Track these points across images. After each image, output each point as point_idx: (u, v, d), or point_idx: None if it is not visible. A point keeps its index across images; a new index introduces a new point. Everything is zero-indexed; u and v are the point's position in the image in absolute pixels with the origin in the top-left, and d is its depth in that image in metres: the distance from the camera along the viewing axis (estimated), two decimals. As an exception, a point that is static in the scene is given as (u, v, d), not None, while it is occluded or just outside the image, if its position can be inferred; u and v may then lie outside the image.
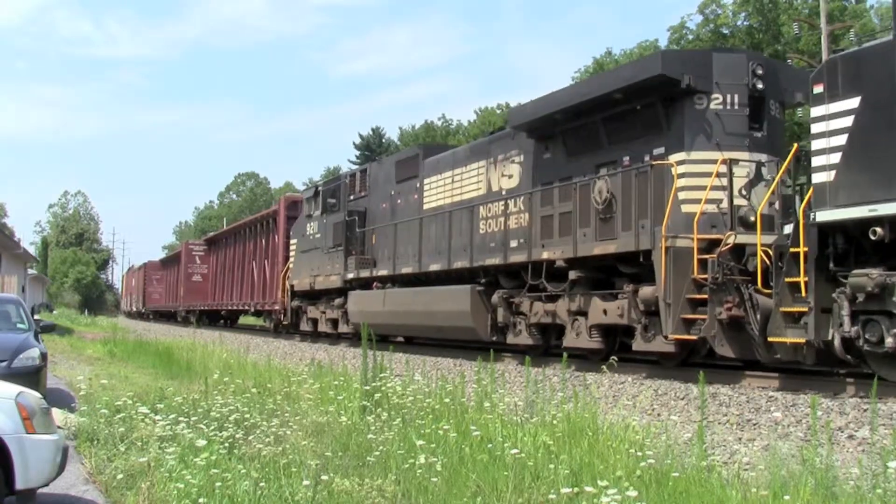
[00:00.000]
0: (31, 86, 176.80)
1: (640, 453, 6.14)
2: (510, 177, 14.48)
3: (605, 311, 11.75)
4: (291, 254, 24.53)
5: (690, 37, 43.05)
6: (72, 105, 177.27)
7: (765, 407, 8.53)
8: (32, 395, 5.62)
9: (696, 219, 10.33)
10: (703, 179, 10.74)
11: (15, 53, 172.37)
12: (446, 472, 5.91)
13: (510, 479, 5.65)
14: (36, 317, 14.49)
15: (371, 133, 69.16)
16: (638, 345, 11.30)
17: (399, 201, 18.32)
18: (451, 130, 65.34)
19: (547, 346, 13.77)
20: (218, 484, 5.37)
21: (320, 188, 22.69)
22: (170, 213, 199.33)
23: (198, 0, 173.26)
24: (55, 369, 16.17)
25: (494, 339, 14.38)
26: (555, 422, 7.63)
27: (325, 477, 5.58)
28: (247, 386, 10.27)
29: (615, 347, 12.46)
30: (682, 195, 10.79)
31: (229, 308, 34.91)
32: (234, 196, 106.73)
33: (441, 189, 16.61)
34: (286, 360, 17.71)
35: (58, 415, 7.87)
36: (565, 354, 9.90)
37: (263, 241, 29.71)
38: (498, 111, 59.70)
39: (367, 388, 9.06)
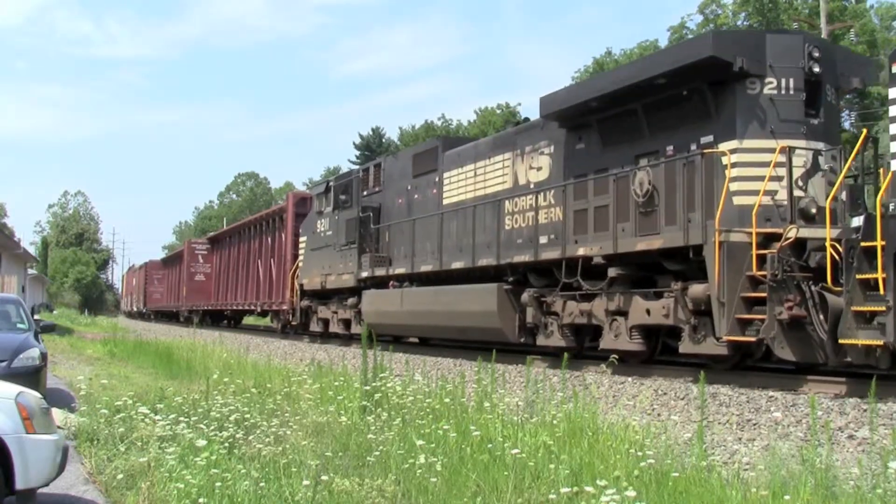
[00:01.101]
0: (31, 86, 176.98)
1: (640, 453, 6.14)
2: (539, 169, 13.68)
3: (648, 311, 11.06)
4: (301, 252, 23.82)
5: (690, 37, 43.00)
6: (72, 105, 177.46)
7: (765, 407, 8.53)
8: (32, 395, 5.62)
9: (754, 211, 9.63)
10: (757, 169, 10.01)
11: (15, 53, 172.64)
12: (446, 472, 5.91)
13: (510, 479, 5.65)
14: (36, 317, 14.49)
15: (371, 133, 69.15)
16: (686, 347, 10.56)
17: (416, 196, 17.53)
18: (451, 130, 65.29)
19: (581, 347, 13.01)
20: (218, 484, 5.37)
21: (332, 183, 21.79)
22: (170, 213, 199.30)
23: (198, 0, 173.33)
24: (55, 369, 16.16)
25: (522, 340, 13.70)
26: (555, 422, 7.63)
27: (325, 477, 5.58)
28: (247, 386, 10.27)
29: (657, 349, 11.91)
30: (733, 186, 10.06)
31: (234, 308, 34.26)
32: (234, 196, 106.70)
33: (462, 183, 15.84)
34: (286, 361, 17.70)
35: (58, 415, 7.87)
36: (566, 355, 9.86)
37: (269, 239, 29.07)
38: (498, 111, 59.73)
39: (367, 388, 9.06)
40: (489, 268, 14.35)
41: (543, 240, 13.07)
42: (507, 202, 14.21)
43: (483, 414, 8.03)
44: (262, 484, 5.52)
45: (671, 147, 11.08)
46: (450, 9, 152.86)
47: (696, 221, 10.26)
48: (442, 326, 15.95)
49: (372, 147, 64.89)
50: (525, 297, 13.30)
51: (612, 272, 11.57)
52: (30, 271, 51.64)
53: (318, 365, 13.48)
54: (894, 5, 41.72)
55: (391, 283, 17.56)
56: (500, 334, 13.94)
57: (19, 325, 11.54)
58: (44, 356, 10.68)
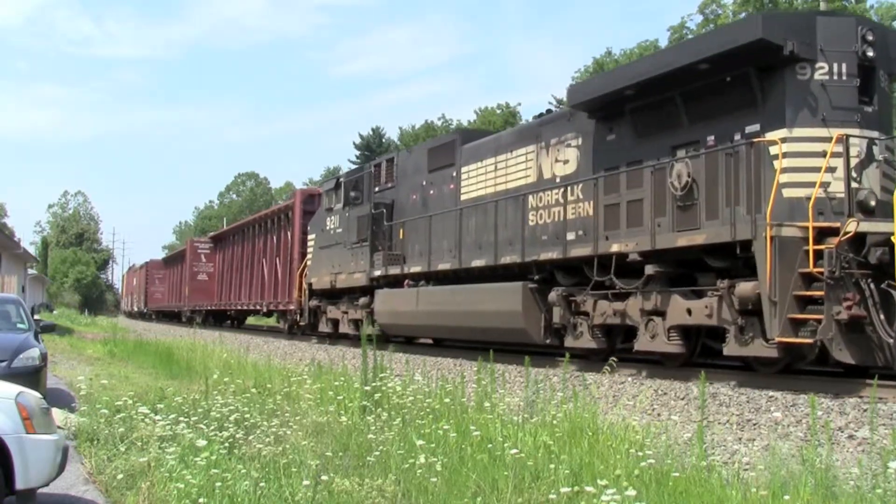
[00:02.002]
0: (31, 86, 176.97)
1: (640, 453, 6.15)
2: (565, 162, 13.03)
3: (688, 311, 10.46)
4: (309, 250, 23.07)
5: (690, 37, 43.02)
6: (72, 105, 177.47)
7: (765, 407, 8.53)
8: (32, 395, 5.62)
9: (810, 203, 9.08)
10: (808, 160, 9.48)
11: (15, 53, 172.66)
12: (446, 472, 5.92)
13: (510, 479, 5.65)
14: (36, 317, 14.49)
15: (371, 133, 69.19)
16: (731, 349, 9.92)
17: (432, 192, 16.85)
18: (451, 130, 65.37)
19: (612, 349, 12.33)
20: (218, 484, 5.37)
21: (342, 179, 21.10)
22: (170, 213, 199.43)
23: (198, 0, 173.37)
24: (55, 369, 16.17)
25: (548, 342, 13.05)
26: (555, 422, 7.63)
27: (325, 477, 5.59)
28: (247, 386, 10.28)
29: (696, 351, 11.26)
30: (783, 178, 9.46)
31: (238, 308, 33.62)
32: (234, 196, 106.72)
33: (482, 177, 15.17)
34: (286, 361, 17.70)
35: (58, 415, 7.87)
36: (568, 355, 9.88)
37: (275, 237, 28.40)
38: (498, 111, 59.75)
39: (368, 388, 9.07)
40: (513, 266, 13.75)
41: (571, 236, 12.49)
42: (530, 197, 13.57)
43: (483, 414, 8.03)
44: (262, 484, 5.52)
45: (712, 137, 10.50)
46: (450, 8, 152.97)
47: (742, 215, 9.68)
48: (461, 327, 15.26)
49: (372, 147, 64.91)
50: (553, 296, 12.65)
51: (649, 270, 10.91)
52: (30, 271, 51.65)
53: (318, 365, 13.48)
54: (894, 5, 41.69)
55: (406, 282, 16.97)
56: (524, 335, 13.38)
57: (19, 325, 11.54)
58: (44, 356, 10.68)
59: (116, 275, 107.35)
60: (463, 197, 15.65)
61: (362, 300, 18.92)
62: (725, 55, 9.90)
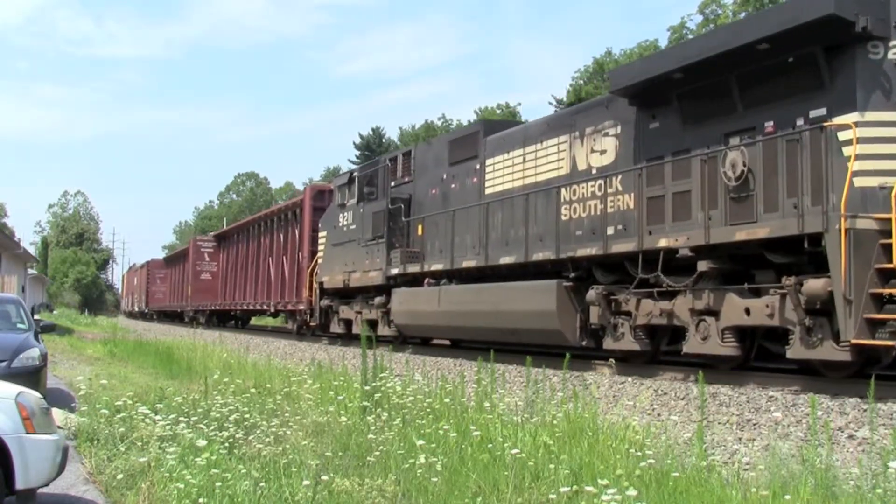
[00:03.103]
0: (31, 86, 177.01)
1: (640, 453, 6.15)
2: (603, 152, 12.25)
3: (746, 311, 9.67)
4: (320, 248, 22.25)
5: (690, 37, 43.04)
6: (72, 105, 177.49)
7: (765, 407, 8.53)
8: (32, 395, 5.62)
9: (893, 193, 8.35)
10: (882, 146, 8.76)
11: (15, 53, 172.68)
12: (446, 472, 5.92)
13: (510, 479, 5.66)
14: (36, 317, 14.49)
15: (371, 133, 69.21)
16: (796, 352, 9.10)
17: (453, 186, 16.03)
18: (451, 130, 65.38)
19: (655, 351, 11.64)
20: (218, 484, 5.37)
21: (356, 174, 20.17)
22: (170, 213, 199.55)
23: (198, 0, 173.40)
24: (55, 369, 16.17)
25: (584, 343, 12.25)
26: (555, 422, 7.63)
27: (325, 477, 5.59)
28: (247, 386, 10.28)
29: (752, 353, 10.47)
30: (855, 165, 8.70)
31: (244, 308, 32.86)
32: (234, 196, 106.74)
33: (509, 170, 14.36)
34: (286, 360, 17.70)
35: (58, 415, 7.87)
36: (568, 355, 9.84)
37: (282, 235, 27.79)
38: (498, 111, 59.69)
39: (368, 388, 9.07)
40: (545, 263, 12.95)
41: (609, 231, 11.70)
42: (563, 190, 12.73)
43: (483, 414, 8.03)
44: (262, 484, 5.52)
45: (770, 123, 9.70)
46: (450, 8, 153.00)
47: (806, 207, 8.91)
48: (487, 328, 14.34)
49: (372, 147, 64.92)
50: (591, 294, 11.78)
51: (702, 266, 10.12)
52: (30, 271, 51.67)
53: (318, 365, 13.48)
54: None
55: (426, 280, 16.21)
56: (558, 337, 12.57)
57: (19, 325, 11.55)
58: (44, 356, 10.68)
59: (116, 275, 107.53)
60: (487, 191, 14.90)
61: (378, 300, 18.11)
62: (788, 33, 9.08)
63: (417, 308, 16.29)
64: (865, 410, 7.52)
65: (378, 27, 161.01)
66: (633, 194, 11.39)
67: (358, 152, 67.66)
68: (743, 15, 41.30)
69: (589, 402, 8.55)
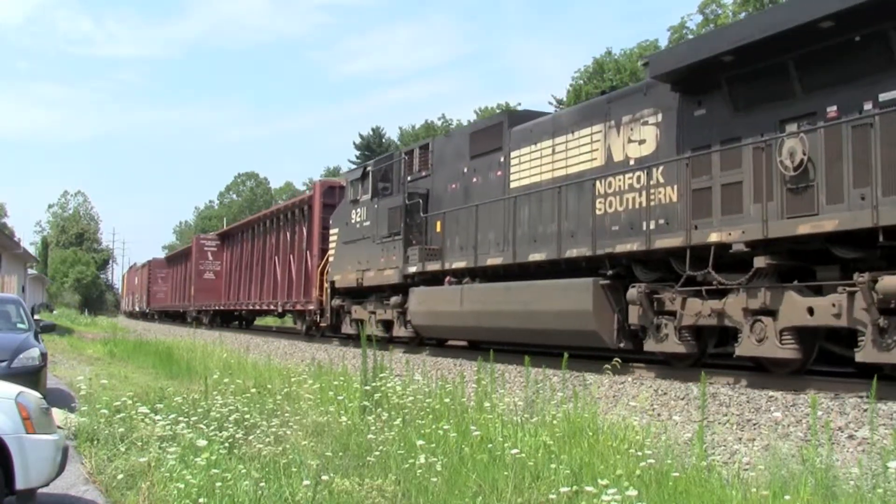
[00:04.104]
0: (31, 85, 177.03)
1: (640, 453, 6.15)
2: (642, 142, 11.54)
3: (809, 310, 8.93)
4: (331, 246, 21.43)
5: (690, 37, 43.05)
6: (72, 105, 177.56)
7: (765, 407, 8.53)
8: (32, 395, 5.62)
9: None
10: None
11: (15, 53, 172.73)
12: (446, 472, 5.92)
13: (510, 479, 5.66)
14: (36, 317, 14.50)
15: (371, 133, 69.27)
16: (867, 354, 8.36)
17: (475, 180, 15.33)
18: (450, 130, 65.39)
19: (702, 354, 10.91)
20: (218, 484, 5.37)
21: (369, 168, 19.36)
22: (170, 213, 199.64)
23: None
24: (55, 369, 16.17)
25: (622, 345, 11.53)
26: (555, 422, 7.63)
27: (325, 477, 5.59)
28: (247, 386, 10.28)
29: (812, 356, 9.71)
30: None
31: (250, 308, 32.28)
32: (234, 196, 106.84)
33: (536, 162, 13.62)
34: (286, 361, 17.70)
35: (58, 415, 7.87)
36: (566, 355, 9.82)
37: (289, 233, 27.26)
38: (498, 111, 59.74)
39: (368, 388, 9.07)
40: (580, 260, 12.20)
41: (648, 225, 11.03)
42: (598, 182, 12.01)
43: (483, 414, 8.03)
44: (262, 484, 5.52)
45: (833, 107, 9.00)
46: (450, 8, 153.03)
47: (878, 198, 8.24)
48: (515, 329, 13.58)
49: (372, 147, 64.98)
50: (633, 293, 11.00)
51: (759, 262, 9.37)
52: (30, 271, 51.65)
53: (318, 365, 13.48)
54: None
55: (447, 279, 15.48)
56: (594, 338, 11.83)
57: (19, 325, 11.55)
58: (44, 356, 10.68)
59: (116, 275, 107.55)
60: (513, 185, 14.12)
61: (394, 299, 17.33)
62: (856, 10, 8.39)
63: (438, 308, 15.54)
64: (865, 410, 7.52)
65: (378, 27, 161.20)
66: (676, 186, 10.69)
67: (358, 152, 67.71)
68: (743, 15, 41.40)
69: (589, 402, 8.55)
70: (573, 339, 12.43)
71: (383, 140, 67.82)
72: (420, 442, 6.52)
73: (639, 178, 11.33)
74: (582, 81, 51.23)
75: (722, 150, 10.11)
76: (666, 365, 10.93)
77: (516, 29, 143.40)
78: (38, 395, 5.77)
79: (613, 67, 50.49)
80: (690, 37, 42.89)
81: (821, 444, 6.59)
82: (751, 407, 8.63)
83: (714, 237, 9.89)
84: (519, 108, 59.90)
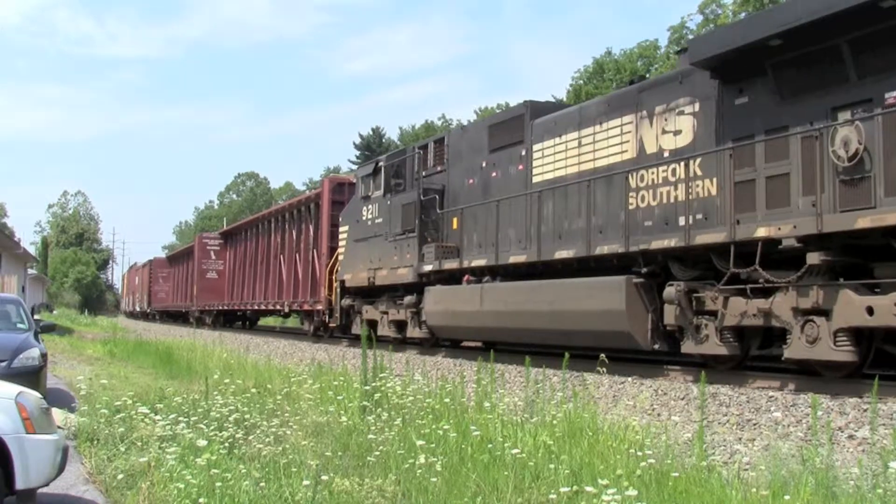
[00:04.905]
0: (31, 85, 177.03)
1: (640, 453, 6.15)
2: (677, 133, 11.02)
3: (868, 310, 8.35)
4: (341, 244, 20.87)
5: (690, 37, 43.06)
6: (72, 105, 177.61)
7: (765, 407, 8.53)
8: (32, 395, 5.62)
9: None
10: None
11: (15, 52, 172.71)
12: (446, 472, 5.92)
13: (510, 479, 5.66)
14: (36, 317, 14.50)
15: (371, 133, 69.27)
16: None
17: (494, 174, 14.79)
18: (449, 129, 65.35)
19: (744, 356, 10.33)
20: (218, 484, 5.37)
21: (382, 163, 18.73)
22: (170, 213, 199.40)
23: None
24: (55, 369, 16.17)
25: (657, 347, 11.00)
26: (555, 422, 7.63)
27: (325, 477, 5.59)
28: (247, 386, 10.28)
29: (869, 359, 9.14)
30: None
31: (254, 308, 31.73)
32: (234, 196, 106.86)
33: (561, 155, 13.07)
34: (286, 360, 17.70)
35: (58, 415, 7.86)
36: (567, 355, 9.77)
37: (295, 231, 26.83)
38: (498, 111, 59.74)
39: (367, 388, 9.07)
40: (611, 257, 11.64)
41: (684, 220, 10.50)
42: (630, 176, 11.49)
43: (483, 414, 8.03)
44: (262, 484, 5.53)
45: (893, 94, 8.48)
46: (450, 8, 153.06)
47: None
48: (538, 330, 13.00)
49: (372, 147, 64.98)
50: (671, 292, 10.44)
51: (812, 259, 8.80)
52: (30, 271, 51.65)
53: (318, 365, 13.49)
54: None
55: (466, 277, 14.94)
56: (626, 340, 11.25)
57: (19, 325, 11.55)
58: (44, 356, 10.68)
59: (116, 275, 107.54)
60: (535, 179, 13.57)
61: (408, 299, 16.76)
62: None
63: (455, 308, 14.94)
64: (865, 410, 7.52)
65: (378, 27, 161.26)
66: (715, 179, 10.18)
67: (358, 152, 67.72)
68: (743, 15, 41.40)
69: (589, 402, 8.55)
70: (603, 340, 11.72)
71: (383, 140, 67.81)
72: (420, 442, 6.52)
73: (674, 170, 10.84)
74: (582, 81, 51.25)
75: (767, 140, 9.53)
76: (704, 367, 10.23)
77: (516, 29, 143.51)
78: (38, 395, 5.77)
79: (613, 67, 50.50)
80: (691, 37, 42.94)
81: (821, 444, 6.59)
82: (751, 407, 8.63)
83: (762, 232, 9.27)
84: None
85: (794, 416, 8.11)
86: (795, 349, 9.08)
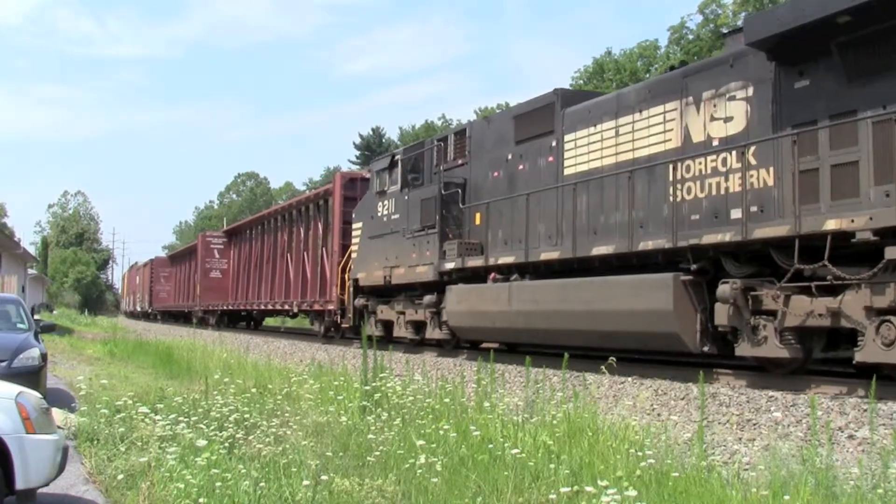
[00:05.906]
0: (31, 85, 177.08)
1: (640, 453, 6.15)
2: (728, 120, 10.23)
3: None
4: (354, 241, 19.94)
5: (691, 37, 43.16)
6: (72, 105, 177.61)
7: (765, 407, 8.53)
8: (32, 395, 5.62)
9: None
10: None
11: (15, 52, 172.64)
12: (446, 473, 5.92)
13: (510, 479, 5.66)
14: (36, 317, 14.51)
15: (371, 133, 69.29)
16: None
17: (521, 167, 13.93)
18: (451, 128, 65.35)
19: (806, 359, 9.54)
20: (218, 484, 5.37)
21: (399, 157, 17.86)
22: (170, 213, 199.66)
23: None
24: (55, 369, 16.17)
25: (706, 349, 10.20)
26: (555, 422, 7.64)
27: (325, 477, 5.59)
28: (247, 386, 10.28)
29: None
30: None
31: (261, 308, 30.97)
32: (234, 196, 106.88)
33: (596, 145, 12.26)
34: (286, 360, 17.71)
35: (58, 415, 7.86)
36: (567, 355, 9.75)
37: (303, 229, 26.10)
38: (498, 111, 59.75)
39: (368, 388, 9.07)
40: (656, 253, 10.85)
41: (736, 213, 9.76)
42: (673, 166, 10.70)
43: (483, 414, 8.03)
44: (262, 484, 5.53)
45: None
46: (451, 8, 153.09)
47: None
48: (573, 331, 12.19)
49: (372, 147, 65.00)
50: (725, 290, 9.59)
51: (890, 253, 7.93)
52: (30, 271, 51.67)
53: (318, 365, 13.49)
54: None
55: (492, 275, 14.15)
56: (673, 341, 10.46)
57: (19, 325, 11.55)
58: (44, 356, 10.68)
59: (116, 275, 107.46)
60: (567, 171, 12.78)
61: (428, 298, 15.88)
62: None
63: (481, 308, 14.09)
64: (865, 410, 7.52)
65: (379, 27, 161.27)
66: (772, 168, 9.46)
67: (358, 152, 67.74)
68: (743, 15, 41.40)
69: (589, 402, 8.55)
70: (647, 342, 11.07)
71: (383, 140, 67.84)
72: (420, 442, 6.53)
73: (724, 160, 10.06)
74: (582, 81, 51.24)
75: (832, 125, 8.79)
76: (761, 372, 9.68)
77: (516, 29, 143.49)
78: (38, 395, 5.78)
79: (613, 67, 50.49)
80: (690, 37, 42.99)
81: (821, 444, 6.60)
82: (751, 407, 8.63)
83: (831, 224, 8.48)
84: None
85: (794, 416, 8.11)
86: (869, 352, 8.29)
